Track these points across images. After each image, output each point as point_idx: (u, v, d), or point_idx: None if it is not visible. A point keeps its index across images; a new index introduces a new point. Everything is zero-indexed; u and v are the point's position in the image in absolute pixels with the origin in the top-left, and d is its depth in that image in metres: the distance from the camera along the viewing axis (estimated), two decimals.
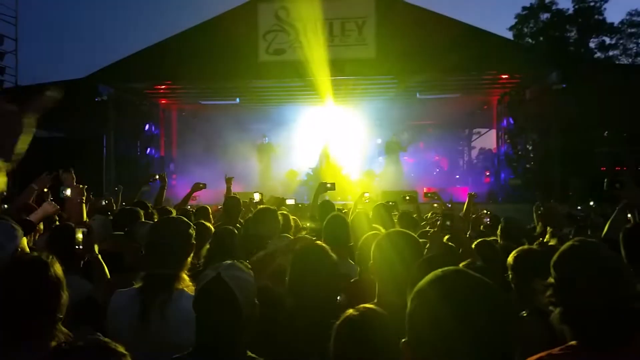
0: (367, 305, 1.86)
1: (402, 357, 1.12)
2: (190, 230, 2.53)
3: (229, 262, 1.96)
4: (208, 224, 4.18)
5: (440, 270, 1.16)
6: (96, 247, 3.03)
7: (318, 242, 2.53)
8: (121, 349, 1.48)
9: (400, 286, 2.22)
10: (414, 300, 1.13)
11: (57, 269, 2.01)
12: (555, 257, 1.69)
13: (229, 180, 6.03)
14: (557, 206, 5.31)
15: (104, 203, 6.06)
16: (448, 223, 3.59)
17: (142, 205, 4.59)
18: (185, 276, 2.45)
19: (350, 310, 1.84)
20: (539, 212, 5.72)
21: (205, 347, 1.86)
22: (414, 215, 6.35)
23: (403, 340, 1.12)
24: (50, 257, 2.03)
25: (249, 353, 1.88)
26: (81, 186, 4.32)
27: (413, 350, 1.10)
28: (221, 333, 1.83)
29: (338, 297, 2.44)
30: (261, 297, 2.13)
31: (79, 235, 3.06)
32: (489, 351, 1.03)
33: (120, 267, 3.14)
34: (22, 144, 0.97)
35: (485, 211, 6.24)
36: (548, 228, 4.65)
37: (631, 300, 1.54)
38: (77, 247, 3.05)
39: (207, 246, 3.38)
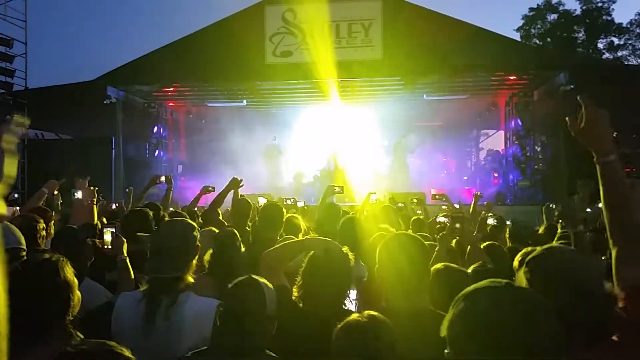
0: (370, 312, 1.86)
1: None
2: (195, 233, 2.53)
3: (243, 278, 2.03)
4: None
5: (481, 284, 1.15)
6: (125, 249, 3.04)
7: (343, 246, 2.49)
8: (127, 353, 1.48)
9: (407, 290, 2.21)
10: (455, 316, 1.12)
11: (68, 270, 2.01)
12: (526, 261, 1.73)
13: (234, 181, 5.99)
14: (577, 205, 5.24)
15: (114, 207, 6.09)
16: (457, 225, 3.57)
17: (154, 207, 4.59)
18: (191, 278, 2.45)
19: (354, 316, 1.83)
20: (559, 210, 5.67)
21: (224, 345, 1.87)
22: (422, 217, 6.33)
23: (446, 351, 1.12)
24: (61, 258, 2.02)
25: (268, 352, 1.89)
26: (92, 188, 4.34)
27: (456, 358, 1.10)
28: (247, 332, 1.88)
29: (347, 302, 2.42)
30: (278, 296, 2.14)
31: (107, 238, 3.08)
32: None
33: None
34: (9, 167, 0.97)
35: (490, 214, 6.21)
36: (559, 225, 4.62)
37: (598, 307, 1.55)
38: (105, 247, 3.07)
39: (210, 250, 3.38)
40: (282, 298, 2.30)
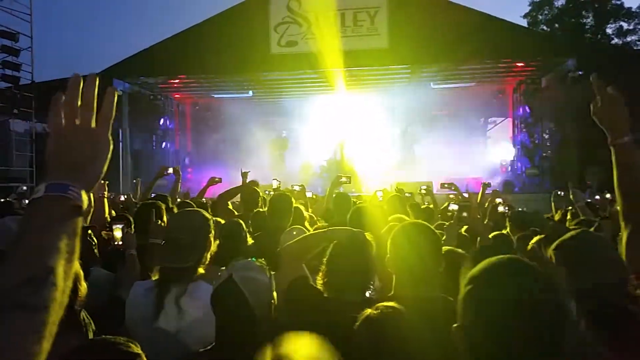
0: (387, 303, 1.84)
1: (455, 342, 1.14)
2: (209, 223, 2.53)
3: (244, 261, 1.98)
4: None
5: (494, 257, 1.17)
6: (134, 244, 3.05)
7: (366, 234, 2.48)
8: (136, 349, 1.46)
9: (416, 279, 2.20)
10: (468, 285, 1.14)
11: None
12: (554, 245, 1.69)
13: (244, 175, 5.99)
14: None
15: (123, 199, 6.10)
16: (464, 214, 3.56)
17: (163, 199, 4.59)
18: (202, 270, 2.45)
19: (369, 310, 1.82)
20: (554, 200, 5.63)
21: (223, 344, 1.89)
22: (431, 206, 6.30)
23: (455, 325, 1.13)
24: None
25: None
26: (102, 182, 4.33)
27: (464, 334, 1.12)
28: (233, 332, 1.88)
29: (369, 292, 2.41)
30: (299, 287, 2.12)
31: (117, 234, 3.10)
32: (540, 334, 1.05)
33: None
34: (104, 166, 0.98)
35: (499, 200, 6.16)
36: (569, 213, 4.60)
37: (623, 293, 1.52)
38: (116, 243, 3.10)
39: (217, 241, 3.39)
40: (304, 288, 2.30)
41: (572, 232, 1.70)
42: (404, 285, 2.21)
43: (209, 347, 1.95)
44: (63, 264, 0.84)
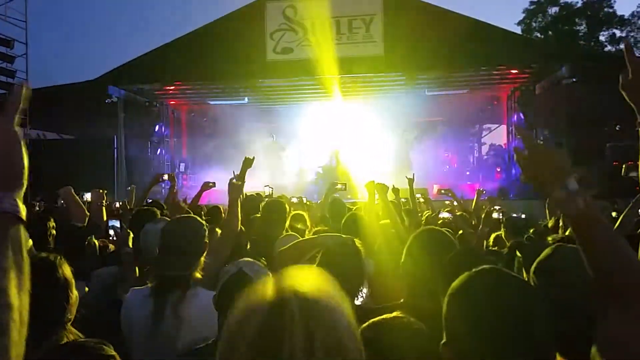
0: (395, 314, 1.81)
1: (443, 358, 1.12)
2: (203, 230, 2.53)
3: (246, 259, 1.99)
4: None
5: (473, 270, 1.15)
6: (130, 242, 3.06)
7: (355, 240, 2.47)
8: (109, 351, 1.46)
9: (433, 288, 2.16)
10: (450, 302, 1.13)
11: (66, 269, 2.00)
12: (536, 263, 1.59)
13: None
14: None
15: (117, 205, 6.07)
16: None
17: (158, 205, 4.59)
18: (199, 275, 2.45)
19: (377, 318, 1.80)
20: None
21: None
22: (429, 213, 6.31)
23: (442, 342, 1.12)
24: (58, 257, 2.02)
25: None
26: (100, 191, 4.35)
27: (452, 351, 1.10)
28: None
29: (358, 299, 2.40)
30: None
31: (112, 232, 3.13)
32: (527, 349, 1.04)
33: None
34: (25, 159, 0.87)
35: (494, 207, 6.17)
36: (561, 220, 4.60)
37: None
38: (112, 238, 3.13)
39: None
40: None
41: (547, 250, 1.59)
42: (419, 294, 2.17)
43: (209, 342, 1.93)
44: (14, 281, 0.80)
